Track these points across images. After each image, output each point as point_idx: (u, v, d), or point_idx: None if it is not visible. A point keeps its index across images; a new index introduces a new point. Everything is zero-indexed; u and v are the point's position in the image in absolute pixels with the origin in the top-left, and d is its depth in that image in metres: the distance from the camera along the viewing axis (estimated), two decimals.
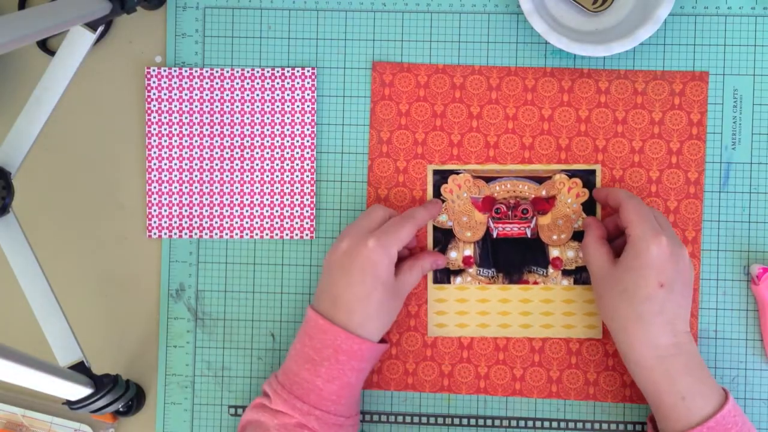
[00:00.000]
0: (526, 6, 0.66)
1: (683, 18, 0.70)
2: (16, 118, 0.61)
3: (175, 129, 0.71)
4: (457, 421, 0.70)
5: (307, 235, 0.71)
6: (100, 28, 0.62)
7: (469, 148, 0.70)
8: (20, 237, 0.61)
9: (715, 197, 0.70)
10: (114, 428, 0.72)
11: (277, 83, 0.71)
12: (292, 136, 0.71)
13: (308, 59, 0.71)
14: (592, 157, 0.70)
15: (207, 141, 0.71)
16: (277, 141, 0.71)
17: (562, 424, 0.70)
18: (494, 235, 0.70)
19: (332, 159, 0.71)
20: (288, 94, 0.71)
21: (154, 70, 0.71)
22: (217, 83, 0.71)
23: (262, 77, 0.71)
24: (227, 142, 0.71)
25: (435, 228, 0.70)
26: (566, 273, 0.70)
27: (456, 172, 0.70)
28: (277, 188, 0.71)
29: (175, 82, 0.71)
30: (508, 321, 0.70)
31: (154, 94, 0.71)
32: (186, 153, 0.71)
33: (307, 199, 0.71)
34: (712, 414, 0.59)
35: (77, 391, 0.61)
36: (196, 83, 0.71)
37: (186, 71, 0.71)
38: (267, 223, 0.71)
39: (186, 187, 0.71)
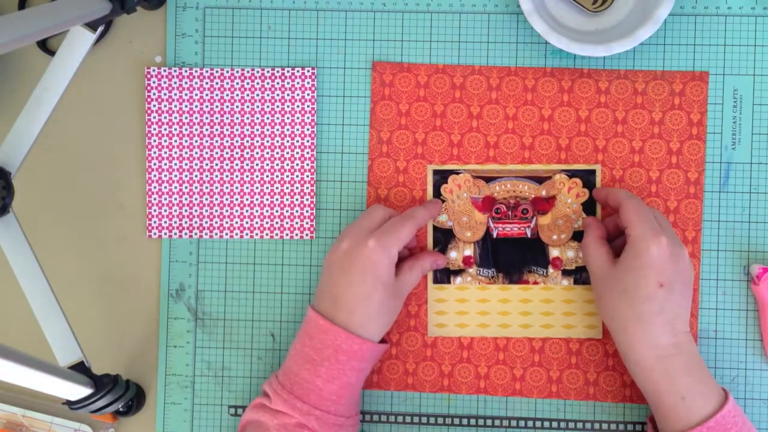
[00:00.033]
0: (526, 6, 0.66)
1: (683, 18, 0.70)
2: (16, 118, 0.61)
3: (175, 129, 0.71)
4: (457, 421, 0.70)
5: (307, 235, 0.71)
6: (100, 28, 0.62)
7: (469, 148, 0.70)
8: (20, 237, 0.61)
9: (715, 197, 0.70)
10: (114, 428, 0.72)
11: (277, 83, 0.71)
12: (292, 136, 0.71)
13: (308, 59, 0.71)
14: (592, 157, 0.70)
15: (207, 141, 0.71)
16: (277, 141, 0.71)
17: (562, 424, 0.70)
18: (494, 235, 0.70)
19: (332, 159, 0.71)
20: (288, 94, 0.71)
21: (154, 70, 0.71)
22: (217, 83, 0.71)
23: (262, 77, 0.71)
24: (227, 142, 0.71)
25: (435, 228, 0.70)
26: (566, 273, 0.70)
27: (456, 172, 0.70)
28: (277, 188, 0.71)
29: (175, 82, 0.71)
30: (508, 321, 0.70)
31: (154, 94, 0.71)
32: (186, 153, 0.71)
33: (307, 199, 0.71)
34: (711, 414, 0.59)
35: (77, 391, 0.61)
36: (196, 83, 0.71)
37: (186, 71, 0.71)
38: (267, 223, 0.71)
39: (186, 187, 0.71)
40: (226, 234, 0.71)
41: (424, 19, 0.71)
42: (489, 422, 0.70)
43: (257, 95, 0.71)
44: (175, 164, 0.71)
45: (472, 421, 0.70)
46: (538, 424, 0.70)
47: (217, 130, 0.71)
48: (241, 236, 0.71)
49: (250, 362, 0.72)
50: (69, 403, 0.63)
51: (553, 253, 0.70)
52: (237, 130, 0.71)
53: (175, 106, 0.71)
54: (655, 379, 0.60)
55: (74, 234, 0.72)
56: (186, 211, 0.71)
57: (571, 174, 0.70)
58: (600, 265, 0.64)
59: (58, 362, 0.62)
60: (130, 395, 0.68)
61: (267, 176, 0.71)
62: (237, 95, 0.71)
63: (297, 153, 0.71)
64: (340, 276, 0.63)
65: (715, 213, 0.70)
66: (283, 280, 0.71)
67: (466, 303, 0.70)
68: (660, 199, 0.70)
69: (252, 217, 0.71)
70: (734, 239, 0.69)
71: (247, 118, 0.71)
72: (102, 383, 0.63)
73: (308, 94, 0.71)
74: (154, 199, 0.71)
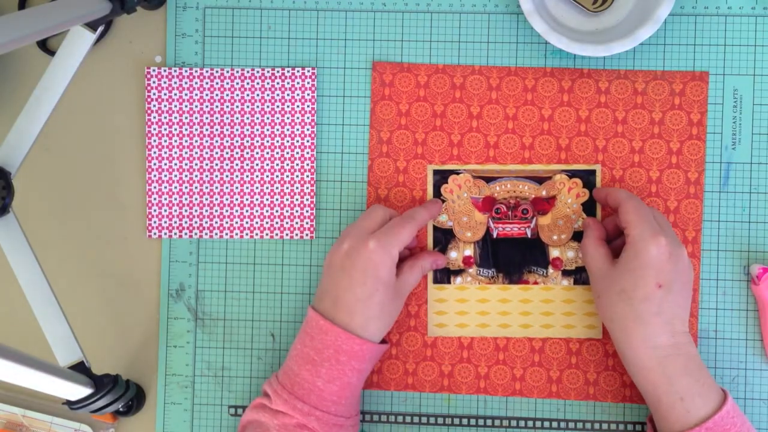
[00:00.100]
0: (526, 6, 0.66)
1: (683, 18, 0.70)
2: (16, 118, 0.61)
3: (175, 129, 0.71)
4: (457, 421, 0.70)
5: (307, 235, 0.71)
6: (100, 28, 0.62)
7: (469, 148, 0.70)
8: (20, 237, 0.61)
9: (715, 197, 0.70)
10: (114, 428, 0.72)
11: (277, 83, 0.71)
12: (292, 136, 0.71)
13: (308, 59, 0.71)
14: (592, 157, 0.70)
15: (207, 141, 0.71)
16: (277, 141, 0.71)
17: (562, 424, 0.70)
18: (494, 235, 0.70)
19: (332, 159, 0.71)
20: (288, 94, 0.71)
21: (154, 70, 0.71)
22: (217, 83, 0.71)
23: (262, 77, 0.71)
24: (227, 142, 0.71)
25: (435, 228, 0.70)
26: (566, 273, 0.70)
27: (456, 172, 0.70)
28: (277, 188, 0.71)
29: (175, 82, 0.71)
30: (508, 321, 0.70)
31: (154, 94, 0.71)
32: (186, 153, 0.71)
33: (307, 199, 0.71)
34: (710, 414, 0.59)
35: (77, 391, 0.61)
36: (196, 83, 0.71)
37: (186, 71, 0.71)
38: (267, 223, 0.71)
39: (186, 187, 0.71)
40: (226, 234, 0.71)
41: (424, 19, 0.71)
42: (489, 422, 0.70)
43: (257, 95, 0.71)
44: (175, 164, 0.71)
45: (472, 421, 0.70)
46: (538, 424, 0.70)
47: (217, 130, 0.71)
48: (241, 236, 0.71)
49: (250, 362, 0.72)
50: (69, 403, 0.63)
51: (553, 253, 0.70)
52: (237, 130, 0.71)
53: (175, 106, 0.71)
54: (653, 379, 0.60)
55: (74, 234, 0.72)
56: (186, 211, 0.71)
57: (571, 174, 0.70)
58: (599, 266, 0.64)
59: (58, 362, 0.62)
60: (130, 395, 0.68)
61: (267, 176, 0.71)
62: (237, 95, 0.71)
63: (297, 153, 0.71)
64: (341, 277, 0.63)
65: (715, 213, 0.70)
66: (283, 280, 0.71)
67: (466, 303, 0.70)
68: (660, 199, 0.70)
69: (252, 217, 0.71)
70: (734, 239, 0.69)
71: (247, 118, 0.71)
72: (102, 383, 0.63)
73: (308, 94, 0.71)
74: (154, 199, 0.71)
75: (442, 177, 0.70)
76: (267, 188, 0.71)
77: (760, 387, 0.69)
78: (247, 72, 0.71)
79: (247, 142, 0.71)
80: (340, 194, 0.71)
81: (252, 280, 0.72)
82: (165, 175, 0.71)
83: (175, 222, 0.71)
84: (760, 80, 0.70)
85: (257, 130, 0.71)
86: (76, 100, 0.72)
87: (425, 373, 0.70)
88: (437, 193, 0.71)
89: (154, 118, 0.71)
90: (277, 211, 0.71)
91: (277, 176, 0.71)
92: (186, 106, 0.71)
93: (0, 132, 0.69)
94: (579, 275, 0.70)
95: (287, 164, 0.71)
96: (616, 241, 0.67)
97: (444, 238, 0.70)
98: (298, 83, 0.71)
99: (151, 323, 0.72)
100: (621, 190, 0.66)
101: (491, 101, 0.70)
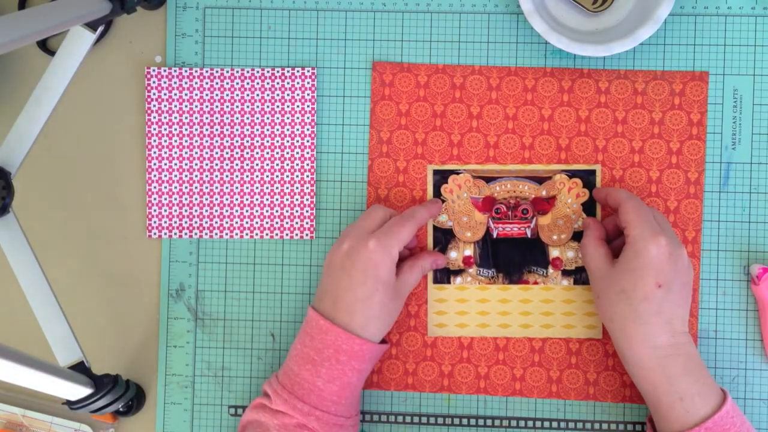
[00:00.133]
0: (526, 6, 0.66)
1: (683, 18, 0.70)
2: (16, 118, 0.61)
3: (175, 129, 0.71)
4: (457, 421, 0.70)
5: (307, 235, 0.71)
6: (100, 28, 0.62)
7: (469, 148, 0.70)
8: (20, 237, 0.61)
9: (715, 197, 0.70)
10: (114, 428, 0.72)
11: (277, 83, 0.71)
12: (292, 136, 0.71)
13: (308, 59, 0.71)
14: (592, 157, 0.70)
15: (207, 141, 0.71)
16: (277, 141, 0.71)
17: (562, 424, 0.70)
18: (494, 235, 0.70)
19: (332, 159, 0.71)
20: (288, 94, 0.71)
21: (154, 70, 0.71)
22: (217, 83, 0.71)
23: (262, 77, 0.71)
24: (227, 142, 0.71)
25: (435, 228, 0.70)
26: (566, 273, 0.70)
27: (456, 172, 0.70)
28: (277, 188, 0.71)
29: (175, 82, 0.71)
30: (508, 321, 0.70)
31: (154, 94, 0.71)
32: (186, 153, 0.71)
33: (307, 199, 0.71)
34: (710, 414, 0.59)
35: (77, 391, 0.61)
36: (196, 83, 0.71)
37: (186, 71, 0.71)
38: (267, 223, 0.71)
39: (186, 187, 0.71)
40: (226, 234, 0.71)
41: (424, 19, 0.71)
42: (489, 422, 0.70)
43: (257, 95, 0.71)
44: (175, 164, 0.71)
45: (472, 421, 0.70)
46: (538, 424, 0.70)
47: (217, 130, 0.71)
48: (241, 236, 0.71)
49: (250, 362, 0.72)
50: (69, 403, 0.63)
51: (553, 253, 0.70)
52: (237, 130, 0.71)
53: (175, 106, 0.71)
54: (653, 379, 0.60)
55: (74, 234, 0.72)
56: (186, 211, 0.71)
57: (571, 174, 0.70)
58: (599, 266, 0.64)
59: (58, 362, 0.62)
60: (130, 395, 0.68)
61: (267, 176, 0.71)
62: (237, 95, 0.71)
63: (297, 153, 0.71)
64: (341, 277, 0.63)
65: (715, 213, 0.70)
66: (283, 280, 0.71)
67: (466, 303, 0.70)
68: (660, 199, 0.70)
69: (252, 217, 0.71)
70: (734, 239, 0.69)
71: (247, 118, 0.71)
72: (102, 383, 0.63)
73: (308, 94, 0.71)
74: (154, 199, 0.71)
75: (442, 177, 0.70)
76: (267, 188, 0.71)
77: (760, 387, 0.69)
78: (247, 72, 0.71)
79: (247, 142, 0.71)
80: (340, 194, 0.71)
81: (252, 280, 0.72)
82: (165, 175, 0.71)
83: (175, 222, 0.71)
84: (760, 80, 0.70)
85: (257, 130, 0.71)
86: (76, 100, 0.72)
87: (425, 373, 0.70)
88: (437, 193, 0.71)
89: (154, 118, 0.71)
90: (277, 211, 0.71)
91: (277, 176, 0.71)
92: (186, 106, 0.71)
93: (0, 132, 0.69)
94: (579, 275, 0.70)
95: (287, 164, 0.71)
96: (616, 241, 0.67)
97: (444, 238, 0.70)
98: (298, 83, 0.71)
99: (151, 323, 0.72)
100: (621, 190, 0.66)
101: (491, 101, 0.70)
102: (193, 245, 0.72)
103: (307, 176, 0.71)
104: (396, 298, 0.64)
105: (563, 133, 0.70)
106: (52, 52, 0.72)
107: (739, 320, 0.69)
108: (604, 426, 0.70)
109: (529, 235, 0.70)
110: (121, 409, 0.69)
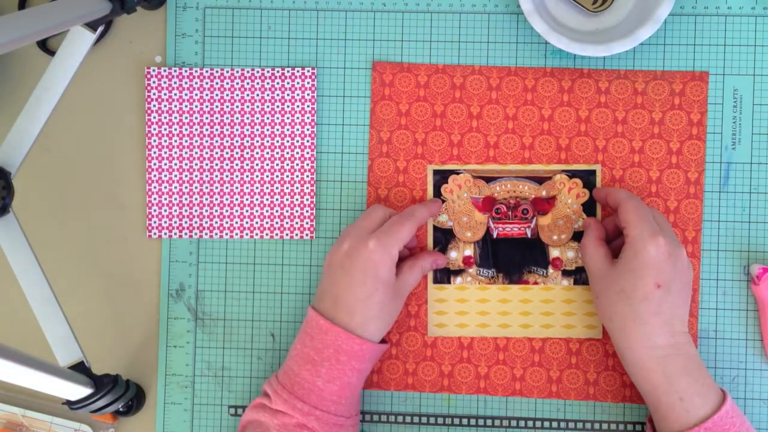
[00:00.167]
0: (526, 6, 0.66)
1: (683, 18, 0.70)
2: (16, 118, 0.61)
3: (175, 129, 0.71)
4: (457, 421, 0.70)
5: (307, 235, 0.71)
6: (100, 28, 0.62)
7: (469, 148, 0.70)
8: (20, 237, 0.61)
9: (715, 197, 0.70)
10: (114, 428, 0.72)
11: (277, 83, 0.71)
12: (292, 136, 0.71)
13: (308, 59, 0.71)
14: (592, 157, 0.70)
15: (207, 141, 0.71)
16: (277, 141, 0.71)
17: (562, 424, 0.70)
18: (494, 235, 0.70)
19: (332, 159, 0.71)
20: (288, 94, 0.71)
21: (154, 70, 0.71)
22: (217, 83, 0.71)
23: (262, 77, 0.71)
24: (227, 142, 0.71)
25: (435, 228, 0.70)
26: (566, 273, 0.70)
27: (456, 172, 0.70)
28: (277, 188, 0.71)
29: (175, 82, 0.71)
30: (508, 321, 0.70)
31: (154, 94, 0.71)
32: (186, 153, 0.71)
33: (307, 199, 0.71)
34: (710, 414, 0.59)
35: (77, 391, 0.61)
36: (196, 83, 0.71)
37: (186, 71, 0.71)
38: (267, 223, 0.71)
39: (186, 187, 0.71)
40: (226, 234, 0.71)
41: (424, 19, 0.71)
42: (489, 422, 0.70)
43: (257, 95, 0.71)
44: (175, 164, 0.71)
45: (472, 421, 0.70)
46: (538, 424, 0.70)
47: (217, 130, 0.71)
48: (241, 236, 0.71)
49: (250, 362, 0.72)
50: (69, 403, 0.63)
51: (553, 253, 0.70)
52: (237, 130, 0.71)
53: (175, 106, 0.71)
54: (653, 379, 0.60)
55: (74, 234, 0.72)
56: (186, 211, 0.71)
57: (571, 174, 0.70)
58: (598, 266, 0.64)
59: (58, 362, 0.62)
60: (130, 395, 0.68)
61: (267, 176, 0.71)
62: (237, 95, 0.71)
63: (297, 153, 0.71)
64: (341, 276, 0.63)
65: (715, 213, 0.70)
66: (283, 280, 0.71)
67: (466, 303, 0.70)
68: (660, 199, 0.70)
69: (252, 217, 0.71)
70: (734, 239, 0.69)
71: (247, 118, 0.71)
72: (102, 383, 0.63)
73: (308, 94, 0.71)
74: (154, 199, 0.71)
75: (442, 177, 0.70)
76: (267, 188, 0.71)
77: (760, 387, 0.69)
78: (247, 72, 0.71)
79: (247, 142, 0.71)
80: (340, 194, 0.71)
81: (252, 280, 0.72)
82: (165, 175, 0.71)
83: (175, 222, 0.71)
84: (760, 80, 0.70)
85: (257, 130, 0.71)
86: (76, 100, 0.72)
87: (425, 373, 0.70)
88: (437, 193, 0.71)
89: (154, 118, 0.71)
90: (277, 211, 0.71)
91: (277, 176, 0.71)
92: (186, 106, 0.71)
93: (0, 132, 0.69)
94: (579, 275, 0.70)
95: (287, 164, 0.71)
96: (615, 241, 0.67)
97: (444, 238, 0.70)
98: (298, 83, 0.71)
99: (151, 323, 0.72)
100: (621, 190, 0.66)
101: (491, 101, 0.70)
102: (193, 245, 0.72)
103: (307, 176, 0.71)
104: (396, 298, 0.64)
105: (563, 133, 0.70)
106: (52, 52, 0.72)
107: (739, 320, 0.69)
108: (604, 426, 0.70)
109: (529, 235, 0.70)
110: (121, 409, 0.69)
